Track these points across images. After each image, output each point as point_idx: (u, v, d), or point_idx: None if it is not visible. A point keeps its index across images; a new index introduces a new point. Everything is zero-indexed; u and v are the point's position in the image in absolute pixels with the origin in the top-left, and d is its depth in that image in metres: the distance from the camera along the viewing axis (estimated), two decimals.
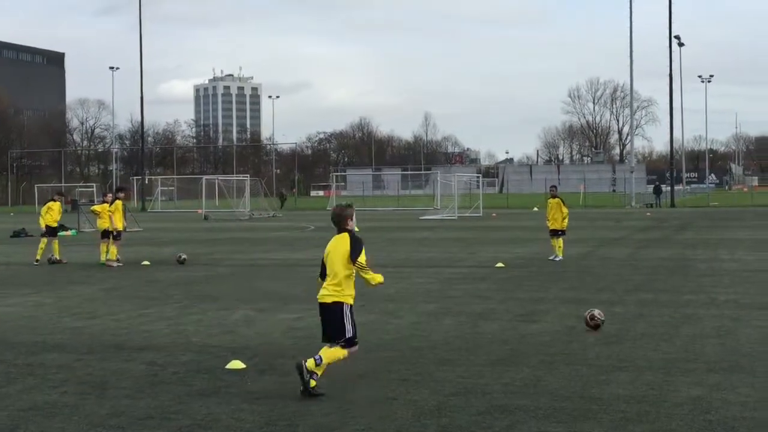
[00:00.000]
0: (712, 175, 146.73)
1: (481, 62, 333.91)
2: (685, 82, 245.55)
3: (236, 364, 10.04)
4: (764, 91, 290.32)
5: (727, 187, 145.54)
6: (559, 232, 23.33)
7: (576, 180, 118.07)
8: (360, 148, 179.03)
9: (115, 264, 23.12)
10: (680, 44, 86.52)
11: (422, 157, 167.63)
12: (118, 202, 24.27)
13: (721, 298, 15.45)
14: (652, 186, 79.43)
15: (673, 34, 75.94)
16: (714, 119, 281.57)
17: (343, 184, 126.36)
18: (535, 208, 67.83)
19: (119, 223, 23.93)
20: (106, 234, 23.83)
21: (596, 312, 12.29)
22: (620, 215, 54.85)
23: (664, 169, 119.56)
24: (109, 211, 23.94)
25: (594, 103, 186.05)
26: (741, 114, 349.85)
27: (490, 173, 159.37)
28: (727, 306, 14.52)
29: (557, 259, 22.88)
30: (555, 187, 24.85)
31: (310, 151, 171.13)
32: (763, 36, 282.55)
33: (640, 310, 14.08)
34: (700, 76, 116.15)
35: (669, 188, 75.07)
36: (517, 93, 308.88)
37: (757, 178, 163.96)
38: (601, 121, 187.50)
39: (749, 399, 8.38)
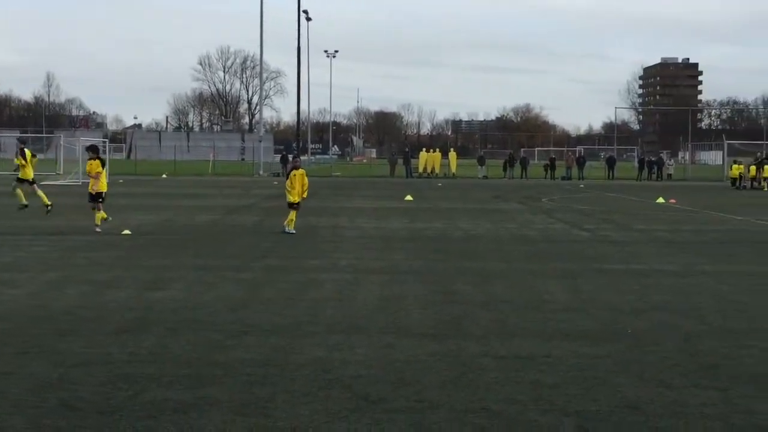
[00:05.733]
0: (336, 146, 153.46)
1: (112, 26, 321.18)
2: (313, 56, 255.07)
3: None
4: (382, 69, 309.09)
5: (348, 159, 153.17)
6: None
7: (205, 148, 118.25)
8: None
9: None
10: (308, 19, 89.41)
11: (44, 120, 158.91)
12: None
13: (342, 263, 16.26)
14: (279, 156, 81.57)
15: (301, 9, 78.27)
16: (338, 94, 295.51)
17: None
18: (164, 175, 67.01)
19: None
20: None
21: None
22: (249, 183, 55.74)
23: (291, 140, 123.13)
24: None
25: (224, 72, 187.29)
26: (362, 89, 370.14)
27: (118, 138, 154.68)
28: (346, 270, 15.31)
29: None
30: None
31: None
32: (385, 15, 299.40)
33: (267, 276, 14.43)
34: (326, 51, 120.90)
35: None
36: (148, 58, 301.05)
37: (375, 150, 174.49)
38: (231, 90, 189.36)
39: (365, 358, 8.90)
